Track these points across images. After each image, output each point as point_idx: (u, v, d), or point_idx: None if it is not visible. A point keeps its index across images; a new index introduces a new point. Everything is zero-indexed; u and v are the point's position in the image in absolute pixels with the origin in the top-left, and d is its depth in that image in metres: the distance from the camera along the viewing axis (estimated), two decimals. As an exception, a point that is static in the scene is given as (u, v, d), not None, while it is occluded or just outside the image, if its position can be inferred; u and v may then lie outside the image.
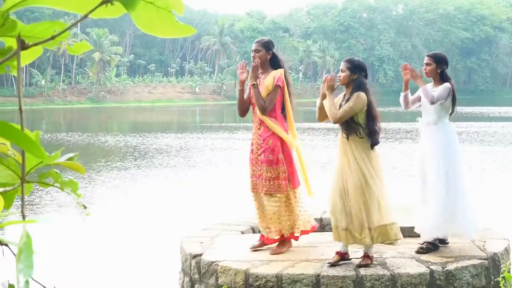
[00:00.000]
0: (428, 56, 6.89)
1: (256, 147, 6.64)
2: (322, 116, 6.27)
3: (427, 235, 6.52)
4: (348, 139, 6.03)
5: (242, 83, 6.71)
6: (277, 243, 6.70)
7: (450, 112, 6.70)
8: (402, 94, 6.84)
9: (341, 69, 6.21)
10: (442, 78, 6.73)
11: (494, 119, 44.84)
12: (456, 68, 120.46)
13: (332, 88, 6.09)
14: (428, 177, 6.58)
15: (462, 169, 6.68)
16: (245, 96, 6.76)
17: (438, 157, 6.53)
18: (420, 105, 6.81)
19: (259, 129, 6.66)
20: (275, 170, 6.53)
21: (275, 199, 6.55)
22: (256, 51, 6.68)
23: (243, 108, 6.84)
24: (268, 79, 6.59)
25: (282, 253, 6.58)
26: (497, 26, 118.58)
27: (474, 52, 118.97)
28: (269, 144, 6.55)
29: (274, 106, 6.59)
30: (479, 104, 73.15)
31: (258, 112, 6.60)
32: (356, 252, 6.27)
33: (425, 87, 6.60)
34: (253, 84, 6.58)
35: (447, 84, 6.65)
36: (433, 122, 6.65)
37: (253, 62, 6.65)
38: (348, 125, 6.02)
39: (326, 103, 6.08)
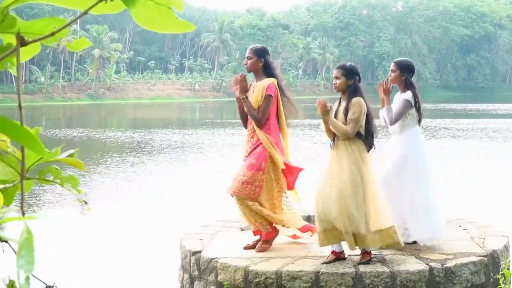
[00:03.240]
0: (393, 62, 6.87)
1: (247, 153, 6.66)
2: (333, 136, 6.21)
3: None
4: (343, 140, 6.02)
5: (239, 99, 6.67)
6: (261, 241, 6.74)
7: (417, 119, 6.68)
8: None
9: (336, 76, 6.16)
10: (406, 85, 6.71)
11: (501, 116, 44.79)
12: (455, 66, 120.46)
13: (327, 112, 6.03)
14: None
15: (424, 175, 6.62)
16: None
17: (400, 166, 6.56)
18: None
19: (252, 137, 6.66)
20: (252, 175, 6.50)
21: (245, 202, 6.57)
22: (248, 57, 6.70)
23: (247, 121, 6.80)
24: (257, 91, 6.58)
25: (266, 249, 6.59)
26: (496, 23, 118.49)
27: (474, 49, 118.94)
28: (258, 150, 6.56)
29: (268, 115, 6.59)
30: (479, 101, 73.18)
31: (253, 124, 6.61)
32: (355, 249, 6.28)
33: (389, 107, 6.57)
34: (243, 98, 6.56)
35: (405, 96, 6.62)
36: (398, 131, 6.66)
37: (245, 67, 6.71)
38: None
39: (331, 126, 6.02)
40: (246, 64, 6.71)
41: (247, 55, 6.73)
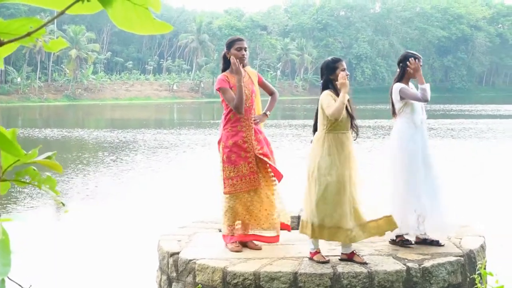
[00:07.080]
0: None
1: (256, 142, 6.59)
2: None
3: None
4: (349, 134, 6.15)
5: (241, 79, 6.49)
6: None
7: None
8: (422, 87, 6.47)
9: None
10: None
11: (484, 117, 45.25)
12: (433, 66, 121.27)
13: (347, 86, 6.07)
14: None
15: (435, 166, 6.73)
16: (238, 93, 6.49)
17: (432, 157, 6.64)
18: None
19: (255, 124, 6.64)
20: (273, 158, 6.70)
21: (276, 189, 6.71)
22: (245, 49, 6.64)
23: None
24: (253, 78, 6.71)
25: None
26: (473, 25, 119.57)
27: (451, 50, 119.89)
28: (262, 136, 6.70)
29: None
30: (455, 102, 73.75)
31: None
32: (333, 250, 6.30)
33: (428, 86, 6.47)
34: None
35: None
36: (424, 120, 6.70)
37: (242, 59, 6.55)
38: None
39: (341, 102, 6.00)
40: (243, 56, 6.56)
41: (244, 46, 6.60)
